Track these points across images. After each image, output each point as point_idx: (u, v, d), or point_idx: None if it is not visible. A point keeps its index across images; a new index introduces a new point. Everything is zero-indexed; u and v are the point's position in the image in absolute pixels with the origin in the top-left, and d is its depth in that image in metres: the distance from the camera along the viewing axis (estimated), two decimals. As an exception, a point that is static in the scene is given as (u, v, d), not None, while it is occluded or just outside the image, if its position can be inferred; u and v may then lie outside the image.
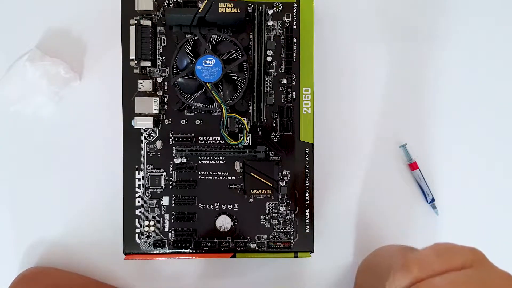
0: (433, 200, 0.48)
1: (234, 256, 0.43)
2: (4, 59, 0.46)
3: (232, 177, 0.43)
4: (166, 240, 0.43)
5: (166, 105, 0.42)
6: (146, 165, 0.43)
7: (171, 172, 0.43)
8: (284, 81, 0.43)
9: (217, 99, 0.40)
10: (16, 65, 0.45)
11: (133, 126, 0.42)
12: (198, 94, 0.41)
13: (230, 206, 0.43)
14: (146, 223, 0.43)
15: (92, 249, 0.47)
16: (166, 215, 0.43)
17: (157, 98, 0.42)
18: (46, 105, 0.46)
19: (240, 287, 0.48)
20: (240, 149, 0.42)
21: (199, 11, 0.39)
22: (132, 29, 0.40)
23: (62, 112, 0.47)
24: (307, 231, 0.44)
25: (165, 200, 0.43)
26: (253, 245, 0.43)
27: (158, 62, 0.42)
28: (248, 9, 0.42)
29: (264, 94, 0.43)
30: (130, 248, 0.43)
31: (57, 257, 0.47)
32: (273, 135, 0.43)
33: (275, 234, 0.43)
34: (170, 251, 0.43)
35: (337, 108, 0.48)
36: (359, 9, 0.48)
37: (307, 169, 0.43)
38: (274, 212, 0.43)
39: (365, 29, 0.48)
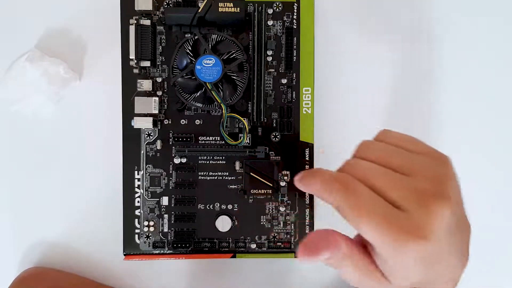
0: (433, 200, 0.48)
1: (234, 256, 0.43)
2: (3, 59, 0.46)
3: (232, 177, 0.43)
4: (165, 241, 0.43)
5: (166, 105, 0.42)
6: (146, 165, 0.43)
7: (171, 172, 0.43)
8: (284, 81, 0.43)
9: (217, 99, 0.40)
10: (16, 65, 0.45)
11: (133, 126, 0.42)
12: (198, 94, 0.41)
13: (230, 206, 0.43)
14: (146, 223, 0.43)
15: (91, 249, 0.47)
16: (166, 216, 0.43)
17: (157, 98, 0.41)
18: (46, 105, 0.46)
19: (240, 287, 0.48)
20: (240, 149, 0.42)
21: (199, 10, 0.39)
22: (132, 29, 0.40)
23: (62, 112, 0.47)
24: (307, 231, 0.43)
25: (165, 201, 0.43)
26: (253, 246, 0.43)
27: (158, 62, 0.42)
28: (248, 8, 0.42)
29: (264, 94, 0.43)
30: (130, 249, 0.43)
31: (57, 257, 0.47)
32: (273, 135, 0.43)
33: (275, 234, 0.43)
34: (170, 251, 0.43)
35: (337, 108, 0.47)
36: (360, 9, 0.48)
37: (307, 169, 0.43)
38: (274, 212, 0.43)
39: (366, 29, 0.48)
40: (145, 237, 0.43)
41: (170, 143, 0.43)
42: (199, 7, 0.39)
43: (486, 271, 0.49)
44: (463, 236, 0.28)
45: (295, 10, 0.43)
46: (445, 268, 0.26)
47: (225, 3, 0.39)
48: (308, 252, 0.25)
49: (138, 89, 0.42)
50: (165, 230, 0.43)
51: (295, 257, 0.43)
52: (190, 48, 0.41)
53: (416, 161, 0.25)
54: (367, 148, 0.28)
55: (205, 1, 0.39)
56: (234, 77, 0.41)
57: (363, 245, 0.27)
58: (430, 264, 0.24)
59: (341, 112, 0.48)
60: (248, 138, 0.42)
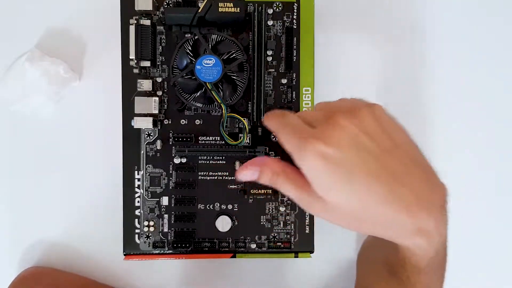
0: (433, 200, 0.48)
1: (234, 256, 0.43)
2: (3, 59, 0.46)
3: (232, 177, 0.43)
4: (165, 241, 0.43)
5: (166, 105, 0.42)
6: (146, 165, 0.43)
7: (171, 172, 0.43)
8: (284, 81, 0.43)
9: (217, 99, 0.40)
10: (16, 65, 0.45)
11: (133, 126, 0.42)
12: (198, 94, 0.41)
13: (230, 206, 0.43)
14: (146, 223, 0.43)
15: (91, 249, 0.47)
16: (166, 216, 0.43)
17: (157, 98, 0.41)
18: (46, 105, 0.46)
19: (240, 287, 0.48)
20: (240, 149, 0.42)
21: (199, 10, 0.39)
22: (132, 29, 0.40)
23: (62, 112, 0.47)
24: (307, 231, 0.43)
25: (165, 200, 0.43)
26: (253, 246, 0.43)
27: (158, 62, 0.42)
28: (248, 8, 0.42)
29: (264, 94, 0.43)
30: (130, 249, 0.43)
31: (57, 257, 0.47)
32: (273, 135, 0.43)
33: (275, 234, 0.43)
34: (170, 251, 0.43)
35: (337, 108, 0.47)
36: (360, 9, 0.48)
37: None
38: (274, 212, 0.43)
39: (366, 29, 0.48)
40: (145, 237, 0.43)
41: (170, 143, 0.43)
42: (199, 7, 0.39)
43: (486, 270, 0.49)
44: (395, 166, 0.28)
45: (295, 10, 0.43)
46: (363, 190, 0.27)
47: (225, 3, 0.39)
48: (240, 169, 0.32)
49: (138, 89, 0.42)
50: (165, 230, 0.43)
51: (296, 257, 0.43)
52: (190, 48, 0.41)
53: (340, 107, 0.30)
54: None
55: (205, 1, 0.39)
56: (234, 77, 0.41)
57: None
58: (339, 173, 0.27)
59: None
60: (248, 138, 0.42)
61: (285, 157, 0.43)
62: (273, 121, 0.31)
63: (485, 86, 0.49)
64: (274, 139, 0.43)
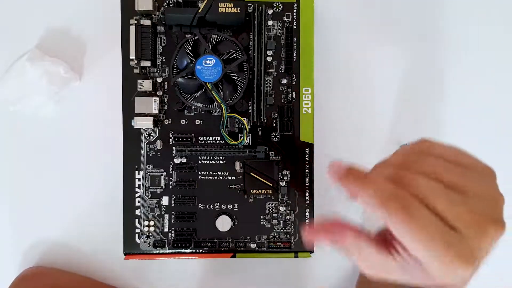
0: (433, 200, 0.48)
1: (234, 256, 0.43)
2: (4, 59, 0.46)
3: (232, 177, 0.43)
4: (166, 240, 0.43)
5: (166, 105, 0.42)
6: (146, 165, 0.43)
7: (171, 172, 0.43)
8: (284, 81, 0.43)
9: (217, 99, 0.40)
10: (16, 65, 0.45)
11: (133, 126, 0.42)
12: (198, 94, 0.41)
13: (230, 206, 0.43)
14: (146, 223, 0.43)
15: (92, 249, 0.47)
16: (166, 215, 0.43)
17: (157, 98, 0.41)
18: (46, 105, 0.46)
19: (240, 287, 0.48)
20: (240, 149, 0.42)
21: (199, 11, 0.39)
22: (132, 29, 0.40)
23: (62, 112, 0.47)
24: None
25: (165, 200, 0.43)
26: (253, 245, 0.43)
27: (158, 62, 0.42)
28: (248, 9, 0.42)
29: (264, 94, 0.43)
30: (130, 248, 0.43)
31: (57, 257, 0.47)
32: (273, 135, 0.43)
33: (275, 234, 0.43)
34: (170, 251, 0.43)
35: (337, 108, 0.48)
36: (359, 9, 0.48)
37: (307, 169, 0.43)
38: (274, 212, 0.43)
39: (365, 29, 0.48)
40: (145, 237, 0.43)
41: (170, 143, 0.43)
42: (199, 8, 0.39)
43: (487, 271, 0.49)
44: None
45: (295, 10, 0.43)
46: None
47: (225, 4, 0.39)
48: (310, 238, 0.28)
49: (139, 89, 0.42)
50: (165, 229, 0.43)
51: (296, 256, 0.43)
52: (190, 48, 0.41)
53: (468, 178, 0.24)
54: (418, 161, 0.25)
55: (205, 1, 0.39)
56: (234, 77, 0.41)
57: (379, 239, 0.26)
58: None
59: (341, 112, 0.48)
60: (248, 138, 0.42)
61: (286, 157, 0.43)
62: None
63: (488, 85, 0.49)
64: (274, 139, 0.43)
